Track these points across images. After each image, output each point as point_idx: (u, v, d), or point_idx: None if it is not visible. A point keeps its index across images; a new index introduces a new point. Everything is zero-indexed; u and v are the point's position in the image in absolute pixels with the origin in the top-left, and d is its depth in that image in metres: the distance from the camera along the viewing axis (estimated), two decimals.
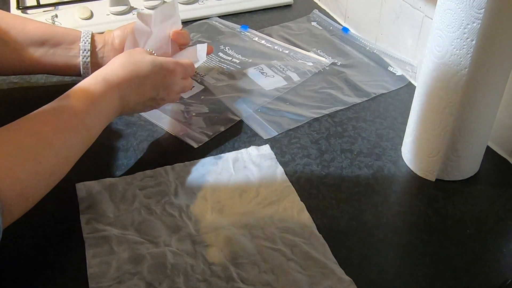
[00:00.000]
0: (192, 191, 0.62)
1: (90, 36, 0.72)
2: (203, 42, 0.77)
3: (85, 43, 0.71)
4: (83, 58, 0.72)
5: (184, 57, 0.72)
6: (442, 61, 0.57)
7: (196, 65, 0.71)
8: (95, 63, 0.72)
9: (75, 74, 0.73)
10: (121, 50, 0.71)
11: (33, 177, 0.50)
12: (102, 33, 0.75)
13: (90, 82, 0.59)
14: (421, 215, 0.60)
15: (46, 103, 0.55)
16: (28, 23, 0.72)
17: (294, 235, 0.56)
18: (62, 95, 0.57)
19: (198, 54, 0.72)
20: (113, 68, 0.61)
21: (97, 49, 0.73)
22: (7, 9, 0.96)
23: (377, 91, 0.81)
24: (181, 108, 0.76)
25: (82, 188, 0.61)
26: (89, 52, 0.71)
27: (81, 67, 0.72)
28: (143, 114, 0.74)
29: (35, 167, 0.51)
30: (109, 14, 0.95)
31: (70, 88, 0.57)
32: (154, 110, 0.73)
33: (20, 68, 0.73)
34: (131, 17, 0.95)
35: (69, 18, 0.93)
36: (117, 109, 0.61)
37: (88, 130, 0.57)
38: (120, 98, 0.60)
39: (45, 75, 0.80)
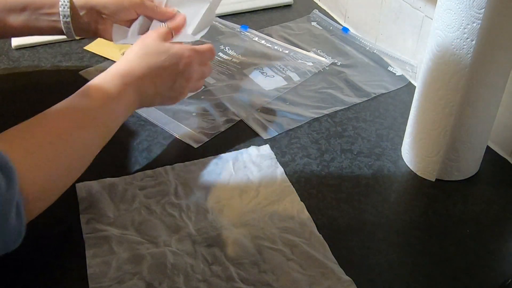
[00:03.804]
0: (192, 191, 0.62)
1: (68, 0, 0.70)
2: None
3: (64, 8, 0.69)
4: (64, 24, 0.70)
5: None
6: (442, 61, 0.57)
7: (198, 37, 0.70)
8: (81, 29, 0.71)
9: (62, 34, 0.72)
10: (116, 18, 0.70)
11: (53, 174, 0.51)
12: None
13: (106, 79, 0.58)
14: (421, 215, 0.60)
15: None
16: None
17: (294, 235, 0.56)
18: (78, 91, 0.56)
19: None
20: (128, 62, 0.61)
21: (81, 13, 0.70)
22: None
23: (377, 91, 0.81)
24: (181, 108, 0.76)
25: (82, 188, 0.61)
26: (69, 18, 0.69)
27: (64, 32, 0.71)
28: (143, 114, 0.74)
29: (55, 165, 0.51)
30: None
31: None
32: (154, 110, 0.73)
33: (5, 34, 0.73)
34: None
35: None
36: (133, 103, 0.61)
37: (105, 126, 0.57)
38: (137, 92, 0.60)
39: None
